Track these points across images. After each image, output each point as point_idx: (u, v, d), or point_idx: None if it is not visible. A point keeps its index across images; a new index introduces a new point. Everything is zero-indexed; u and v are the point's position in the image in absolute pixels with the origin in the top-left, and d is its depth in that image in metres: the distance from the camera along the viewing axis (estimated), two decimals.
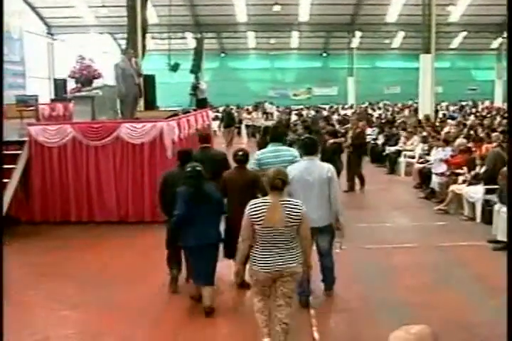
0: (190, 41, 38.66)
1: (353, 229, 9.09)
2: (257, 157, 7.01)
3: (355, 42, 41.28)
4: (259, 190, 6.03)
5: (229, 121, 22.78)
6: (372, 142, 18.33)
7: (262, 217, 4.61)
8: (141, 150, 9.84)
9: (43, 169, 9.99)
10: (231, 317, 5.96)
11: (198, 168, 5.77)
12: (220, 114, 31.02)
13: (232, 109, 26.33)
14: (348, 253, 7.84)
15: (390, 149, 16.06)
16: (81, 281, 7.04)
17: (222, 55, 45.33)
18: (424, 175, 12.42)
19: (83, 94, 12.19)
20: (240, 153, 6.58)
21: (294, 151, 7.10)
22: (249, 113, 24.25)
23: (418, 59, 23.39)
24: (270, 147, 7.14)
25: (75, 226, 9.81)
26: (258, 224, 4.63)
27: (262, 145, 9.36)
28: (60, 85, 22.22)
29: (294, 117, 28.13)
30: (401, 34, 42.53)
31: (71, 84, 22.43)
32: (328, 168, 6.01)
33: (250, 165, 6.77)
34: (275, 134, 7.37)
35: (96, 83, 21.82)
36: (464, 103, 40.68)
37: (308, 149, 6.18)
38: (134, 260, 7.93)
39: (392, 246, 8.39)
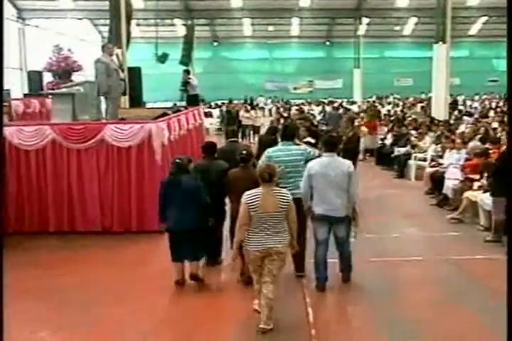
0: (179, 28, 38.78)
1: (358, 240, 9.34)
2: (268, 154, 7.77)
3: (362, 29, 41.41)
4: None
5: (231, 121, 22.47)
6: (380, 142, 18.55)
7: (257, 204, 6.01)
8: (128, 153, 9.98)
9: (18, 174, 10.13)
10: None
11: (177, 161, 7.40)
12: (212, 110, 31.26)
13: (231, 105, 26.05)
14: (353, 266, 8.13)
15: (399, 150, 16.24)
16: (61, 300, 7.18)
17: (215, 44, 45.55)
18: (437, 180, 12.62)
19: (63, 91, 12.29)
20: (244, 152, 7.50)
21: (305, 149, 7.91)
22: (248, 111, 24.18)
23: (432, 47, 23.43)
24: (281, 145, 7.98)
25: (54, 238, 9.95)
26: (254, 211, 6.02)
27: (264, 144, 10.01)
28: (34, 78, 22.31)
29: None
30: (413, 20, 42.77)
31: (47, 77, 22.63)
32: (348, 163, 7.30)
33: (260, 163, 7.49)
34: (286, 132, 8.11)
35: (75, 76, 22.11)
36: (485, 96, 40.68)
37: (329, 146, 7.38)
38: (119, 276, 8.08)
39: (400, 259, 8.60)
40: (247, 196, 6.10)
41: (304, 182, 7.24)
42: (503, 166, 8.76)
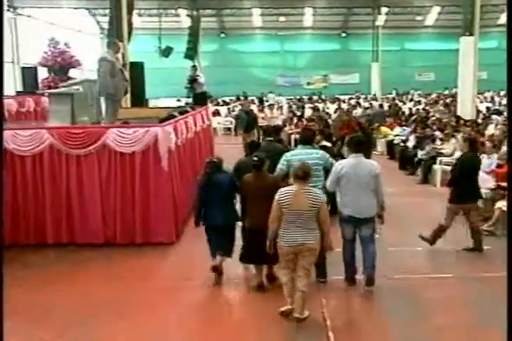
0: (184, 19, 38.73)
1: (379, 254, 9.31)
2: (287, 158, 8.27)
3: (381, 19, 41.25)
4: None
5: (249, 123, 20.08)
6: (402, 144, 18.50)
7: (289, 201, 6.75)
8: (132, 160, 9.98)
9: (13, 182, 10.09)
10: None
11: (214, 160, 8.36)
12: (219, 108, 31.18)
13: (248, 104, 25.01)
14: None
15: (422, 154, 16.19)
16: (60, 320, 7.18)
17: (222, 35, 45.51)
18: None
19: (61, 90, 12.37)
20: (256, 158, 7.87)
21: (323, 155, 8.42)
22: (261, 110, 23.71)
23: (456, 39, 23.24)
24: (300, 149, 8.55)
25: (52, 250, 9.96)
26: (285, 208, 6.76)
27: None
28: (29, 74, 22.29)
29: (308, 112, 28.33)
30: (436, 9, 42.72)
31: (42, 73, 22.63)
32: (376, 164, 8.02)
33: (279, 166, 8.22)
34: (304, 136, 8.72)
35: (73, 73, 22.12)
36: None
37: (357, 147, 8.01)
38: (122, 292, 8.07)
39: (426, 276, 8.57)
40: (280, 193, 6.88)
41: (331, 182, 7.89)
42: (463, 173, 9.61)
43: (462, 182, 9.70)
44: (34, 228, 10.19)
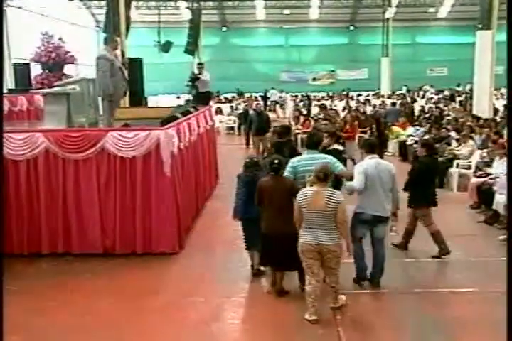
0: (184, 12, 38.69)
1: (396, 266, 9.21)
2: (292, 164, 8.36)
3: (391, 12, 41.21)
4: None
5: (262, 125, 19.16)
6: (415, 146, 18.32)
7: (307, 202, 7.25)
8: (132, 165, 9.85)
9: (6, 188, 9.90)
10: None
11: (254, 159, 9.03)
12: (221, 105, 31.04)
13: (252, 103, 24.40)
14: (390, 299, 8.00)
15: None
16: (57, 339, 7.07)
17: (224, 29, 45.48)
18: (485, 193, 12.39)
19: (56, 90, 12.24)
20: (276, 161, 8.07)
21: (331, 159, 8.46)
22: (273, 110, 23.36)
23: (471, 32, 23.07)
24: (306, 154, 8.67)
25: (47, 261, 9.83)
26: (304, 208, 7.28)
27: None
28: (21, 71, 22.06)
29: (314, 110, 28.21)
30: (449, 1, 42.66)
31: (35, 69, 22.45)
32: (391, 164, 8.66)
33: (285, 173, 8.23)
34: (311, 141, 8.81)
35: (68, 69, 21.96)
36: None
37: (370, 148, 8.60)
38: (123, 308, 7.95)
39: (447, 290, 8.42)
40: (300, 194, 7.38)
41: (362, 182, 8.23)
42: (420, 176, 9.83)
43: (417, 187, 9.86)
44: (28, 237, 10.05)
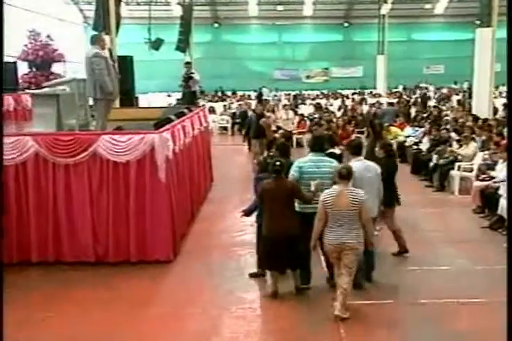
0: (174, 8, 38.50)
1: (400, 274, 9.11)
2: (299, 164, 8.59)
3: (386, 8, 41.14)
4: (299, 200, 8.29)
5: (260, 128, 18.20)
6: (415, 147, 18.24)
7: (331, 202, 7.51)
8: (126, 170, 9.69)
9: None
10: None
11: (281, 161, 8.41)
12: (214, 104, 30.91)
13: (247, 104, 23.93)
14: (396, 310, 7.91)
15: (439, 158, 15.88)
16: None
17: (216, 25, 45.42)
18: (489, 197, 12.29)
19: (45, 91, 12.05)
20: (278, 163, 8.21)
21: (336, 165, 8.54)
22: (272, 111, 22.87)
23: (469, 29, 23.10)
24: (312, 156, 8.79)
25: (37, 270, 9.66)
26: (328, 208, 7.52)
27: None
28: (7, 69, 21.78)
29: (309, 109, 28.09)
30: None
31: (22, 68, 22.24)
32: (376, 165, 9.00)
33: (291, 172, 8.49)
34: (316, 144, 8.99)
35: (56, 67, 21.77)
36: None
37: (357, 150, 9.03)
38: (117, 324, 7.75)
39: (456, 301, 8.27)
40: (324, 194, 7.64)
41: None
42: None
43: None
44: (17, 245, 9.84)
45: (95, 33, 16.30)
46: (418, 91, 40.72)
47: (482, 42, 22.16)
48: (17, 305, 8.19)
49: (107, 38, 16.36)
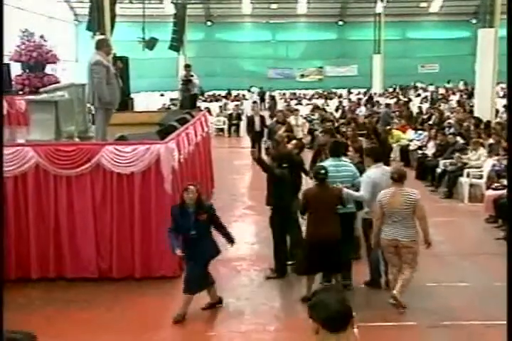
0: (168, 6, 38.35)
1: (420, 292, 8.77)
2: None
3: (381, 6, 41.07)
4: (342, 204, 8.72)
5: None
6: (420, 152, 17.94)
7: (386, 201, 8.18)
8: (130, 181, 9.47)
9: None
10: None
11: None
12: (209, 105, 30.58)
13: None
14: (419, 333, 7.64)
15: (446, 164, 15.58)
16: None
17: (209, 24, 45.30)
18: (502, 207, 11.96)
19: (43, 97, 11.74)
20: (322, 171, 8.50)
21: (356, 172, 9.28)
22: (283, 120, 22.22)
23: (465, 27, 22.82)
24: (331, 161, 9.30)
25: (37, 287, 9.42)
26: (384, 207, 8.20)
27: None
28: (1, 71, 21.34)
29: (305, 110, 27.79)
30: None
31: (15, 69, 21.83)
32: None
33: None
34: (335, 148, 9.56)
35: (50, 69, 21.32)
36: None
37: (378, 156, 9.34)
38: None
39: (479, 323, 7.94)
40: (380, 194, 8.28)
41: (369, 193, 8.78)
42: None
43: None
44: (16, 261, 9.56)
45: (88, 31, 15.99)
46: (412, 92, 40.47)
47: (484, 43, 21.84)
48: (14, 327, 7.80)
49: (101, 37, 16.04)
